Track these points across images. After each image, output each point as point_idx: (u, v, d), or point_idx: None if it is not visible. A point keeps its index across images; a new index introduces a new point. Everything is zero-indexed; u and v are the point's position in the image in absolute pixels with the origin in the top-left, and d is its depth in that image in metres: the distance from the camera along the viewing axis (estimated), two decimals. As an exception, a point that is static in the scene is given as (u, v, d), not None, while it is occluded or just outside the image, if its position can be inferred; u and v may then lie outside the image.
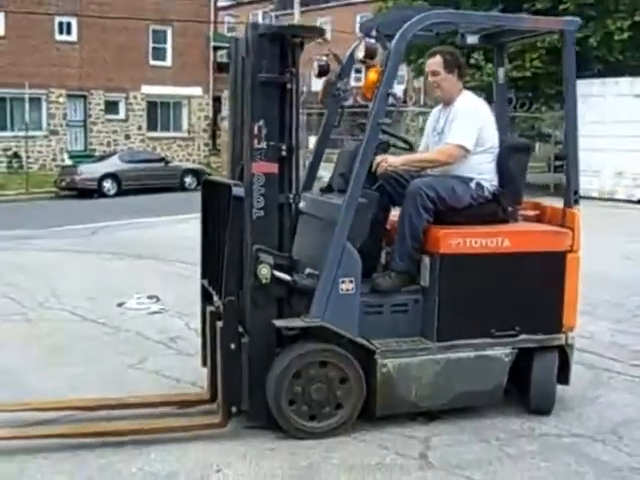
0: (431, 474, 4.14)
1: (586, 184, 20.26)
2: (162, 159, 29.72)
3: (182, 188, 27.06)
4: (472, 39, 5.38)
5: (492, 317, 4.89)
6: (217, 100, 38.80)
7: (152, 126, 37.12)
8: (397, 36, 4.59)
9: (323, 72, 5.19)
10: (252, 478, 4.05)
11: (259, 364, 4.52)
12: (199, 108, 38.09)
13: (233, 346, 4.47)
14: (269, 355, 4.55)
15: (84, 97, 34.07)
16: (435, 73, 5.04)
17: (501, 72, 5.76)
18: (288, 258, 4.63)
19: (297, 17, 35.23)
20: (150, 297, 8.37)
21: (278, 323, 4.52)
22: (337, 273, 4.53)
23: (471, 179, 4.99)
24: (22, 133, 30.03)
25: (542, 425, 4.90)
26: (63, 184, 26.81)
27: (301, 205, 5.09)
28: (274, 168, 4.53)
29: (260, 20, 54.19)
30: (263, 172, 4.51)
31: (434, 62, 5.04)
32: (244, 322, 4.58)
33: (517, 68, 21.36)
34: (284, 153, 4.55)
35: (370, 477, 4.07)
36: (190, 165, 31.27)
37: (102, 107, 34.64)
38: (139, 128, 36.42)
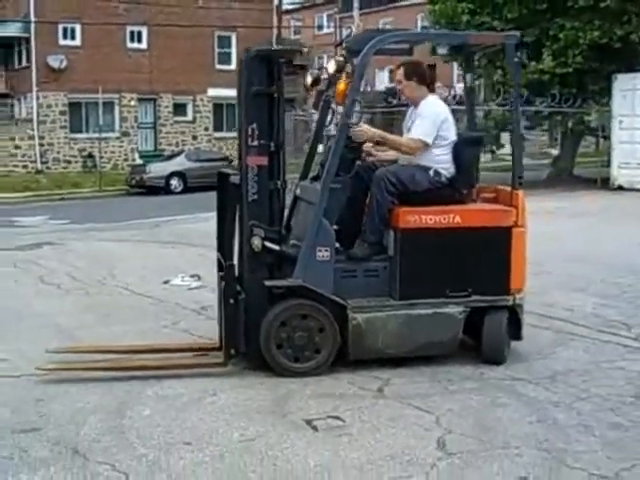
0: (381, 401, 5.21)
1: (633, 176, 20.85)
2: (225, 158, 31.07)
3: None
4: (442, 50, 6.43)
5: (446, 280, 5.86)
6: (288, 101, 40.01)
7: (218, 127, 38.62)
8: (361, 54, 5.75)
9: (315, 81, 6.35)
10: (238, 401, 5.21)
11: (254, 316, 5.69)
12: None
13: (232, 301, 5.68)
14: (262, 309, 5.70)
15: (154, 100, 35.76)
16: (399, 81, 6.19)
17: (469, 77, 6.75)
18: (277, 232, 5.81)
19: (357, 20, 36.31)
20: (192, 276, 9.61)
21: (268, 283, 5.69)
22: (315, 243, 5.67)
23: (430, 167, 5.98)
24: (96, 135, 31.93)
25: (491, 372, 5.85)
26: (133, 182, 28.39)
27: (297, 191, 6.32)
28: (264, 161, 5.71)
29: (325, 23, 55.35)
30: (256, 164, 5.70)
31: (398, 72, 6.19)
32: (243, 283, 5.77)
33: (560, 65, 21.81)
34: (272, 149, 5.73)
35: (332, 402, 5.16)
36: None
37: (171, 109, 36.26)
38: (205, 129, 37.96)
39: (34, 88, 32.88)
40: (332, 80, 6.44)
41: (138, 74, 34.43)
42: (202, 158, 29.80)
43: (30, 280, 9.87)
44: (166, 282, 9.38)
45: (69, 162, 33.65)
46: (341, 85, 5.89)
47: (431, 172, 6.00)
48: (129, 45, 34.64)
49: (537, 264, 9.91)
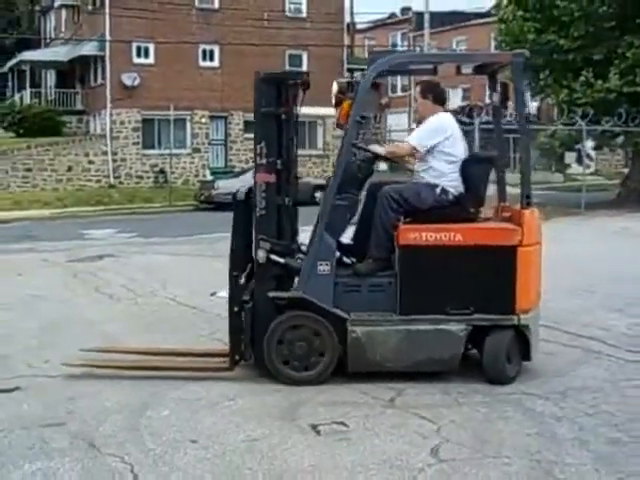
0: (389, 411, 5.45)
1: None
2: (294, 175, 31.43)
3: (312, 202, 28.72)
4: (466, 70, 6.57)
5: (447, 298, 5.92)
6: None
7: (304, 145, 39.13)
8: (365, 77, 6.08)
9: (343, 91, 6.33)
10: (253, 405, 5.53)
11: (260, 325, 5.99)
12: (333, 127, 39.68)
13: (236, 309, 6.04)
14: (267, 319, 5.98)
15: (225, 118, 36.45)
16: (417, 99, 6.49)
17: (495, 96, 6.69)
18: (283, 245, 6.09)
19: (427, 39, 36.51)
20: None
21: (271, 294, 5.98)
22: (316, 257, 5.95)
23: (437, 185, 6.14)
24: (167, 151, 32.73)
25: (503, 387, 5.96)
26: (202, 198, 29.02)
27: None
28: (272, 178, 6.02)
29: (399, 42, 55.67)
30: (264, 181, 6.02)
31: (417, 90, 6.49)
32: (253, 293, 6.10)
33: (628, 83, 21.66)
34: (279, 167, 6.04)
35: (341, 409, 5.42)
36: (320, 181, 32.94)
37: (241, 127, 36.83)
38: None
39: (108, 105, 33.89)
40: (337, 101, 6.61)
41: (210, 92, 35.13)
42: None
43: (86, 290, 10.41)
44: (213, 294, 9.75)
45: (141, 177, 34.53)
46: (345, 105, 6.06)
47: (438, 190, 6.14)
48: (201, 63, 35.42)
49: (584, 284, 10.07)
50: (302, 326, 5.98)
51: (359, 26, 56.10)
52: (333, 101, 6.55)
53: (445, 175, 6.17)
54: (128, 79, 33.56)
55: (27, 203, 27.65)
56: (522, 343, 6.07)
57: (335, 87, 6.16)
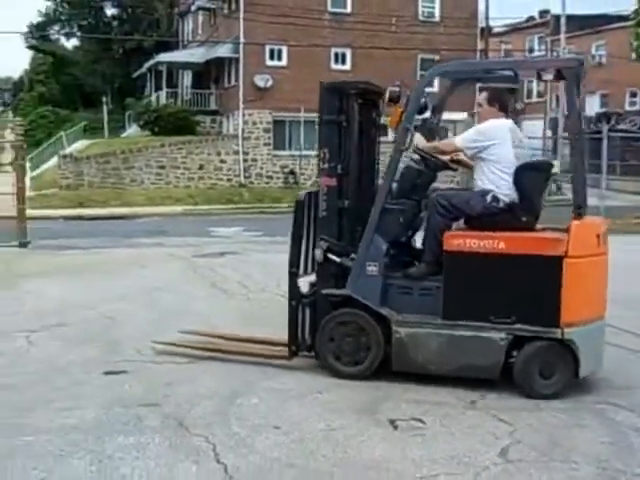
0: (469, 412, 5.62)
1: None
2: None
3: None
4: (547, 76, 6.47)
5: (490, 305, 5.92)
6: (482, 124, 40.09)
7: (419, 148, 39.19)
8: (415, 87, 6.29)
9: (394, 99, 6.48)
10: (339, 398, 5.82)
11: (318, 319, 6.38)
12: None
13: (293, 303, 6.49)
14: (324, 314, 6.37)
15: (356, 121, 36.81)
16: (480, 104, 6.44)
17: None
18: (342, 246, 6.42)
19: (563, 42, 35.93)
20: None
21: (324, 291, 6.37)
22: (365, 258, 6.21)
23: (489, 192, 6.12)
24: (297, 152, 33.43)
25: (588, 396, 6.00)
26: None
27: None
28: (333, 182, 6.37)
29: (536, 46, 54.75)
30: (326, 185, 6.38)
31: (481, 97, 6.42)
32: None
33: None
34: (340, 171, 6.38)
35: (423, 407, 5.64)
36: (451, 186, 32.92)
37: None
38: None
39: (240, 106, 34.81)
40: (438, 106, 6.87)
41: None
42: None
43: (203, 284, 10.90)
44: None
45: (270, 178, 35.31)
46: (396, 112, 6.25)
47: (489, 197, 6.13)
48: (333, 66, 35.86)
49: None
50: (349, 323, 6.28)
51: (495, 30, 55.45)
52: (387, 99, 6.53)
53: (497, 182, 6.15)
54: (260, 81, 34.42)
55: (159, 199, 28.80)
56: (568, 359, 5.93)
57: (387, 95, 6.35)
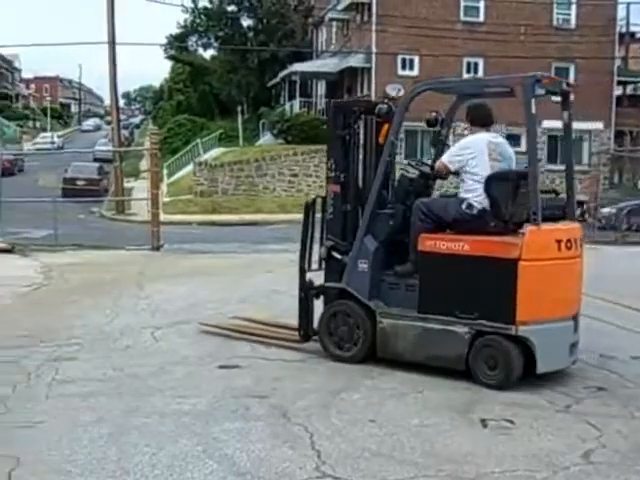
0: (560, 415, 5.80)
1: None
2: (553, 190, 31.16)
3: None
4: (539, 91, 6.57)
5: (457, 302, 6.49)
6: (619, 135, 39.25)
7: (552, 159, 38.68)
8: (400, 103, 6.98)
9: (431, 124, 7.34)
10: (437, 398, 6.11)
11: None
12: (600, 142, 38.77)
13: (303, 294, 7.33)
14: (327, 303, 7.27)
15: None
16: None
17: (565, 115, 7.00)
18: (345, 245, 7.15)
19: None
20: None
21: (326, 284, 7.23)
22: (357, 256, 6.94)
23: (465, 199, 6.66)
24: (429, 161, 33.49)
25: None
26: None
27: None
28: (338, 189, 7.19)
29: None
30: (332, 191, 7.22)
31: None
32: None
33: None
34: (343, 179, 7.15)
35: (515, 409, 5.86)
36: (581, 197, 32.37)
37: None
38: (539, 160, 38.09)
39: (373, 115, 35.28)
40: (446, 121, 7.56)
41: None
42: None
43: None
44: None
45: (400, 185, 35.59)
46: (384, 127, 7.02)
47: (464, 204, 6.65)
48: (465, 76, 35.91)
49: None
50: (344, 312, 7.02)
51: (638, 36, 53.95)
52: (426, 124, 7.45)
53: (473, 191, 6.63)
54: (392, 90, 34.30)
55: (290, 207, 29.48)
56: (523, 355, 6.34)
57: (376, 111, 7.04)
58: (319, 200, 7.52)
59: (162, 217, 16.38)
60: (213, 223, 25.68)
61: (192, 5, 52.52)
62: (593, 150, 38.70)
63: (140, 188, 30.30)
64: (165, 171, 38.73)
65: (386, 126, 7.03)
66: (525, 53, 34.64)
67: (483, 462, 4.84)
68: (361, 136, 7.26)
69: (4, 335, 7.94)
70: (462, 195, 6.75)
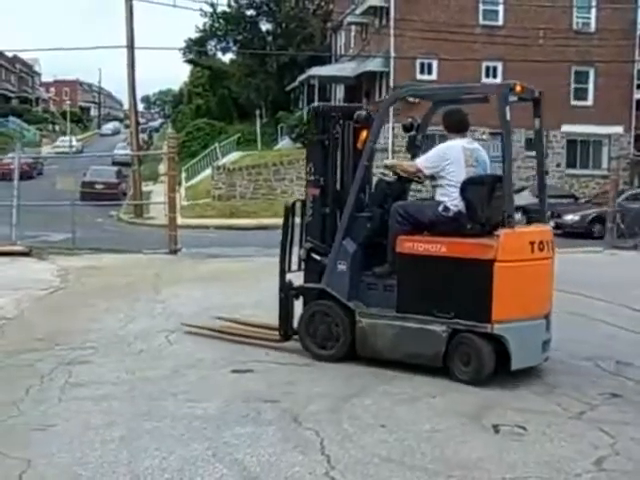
0: (573, 421, 5.77)
1: None
2: (572, 195, 31.20)
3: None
4: (512, 98, 6.76)
5: (434, 301, 6.63)
6: (639, 139, 39.03)
7: (571, 163, 38.56)
8: (379, 107, 7.04)
9: (361, 121, 7.24)
10: (450, 403, 6.08)
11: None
12: (619, 147, 38.57)
13: (282, 295, 7.48)
14: (306, 303, 7.41)
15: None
16: None
17: (537, 121, 7.16)
18: (324, 247, 7.30)
19: None
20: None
21: (305, 285, 7.40)
22: (336, 257, 7.10)
23: (441, 202, 6.79)
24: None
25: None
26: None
27: None
28: (317, 192, 7.32)
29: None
30: (312, 194, 7.36)
31: None
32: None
33: None
34: (322, 183, 7.29)
35: (528, 415, 5.82)
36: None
37: (522, 144, 36.80)
38: (557, 165, 38.04)
39: (391, 119, 35.28)
40: (421, 128, 7.63)
41: (491, 108, 35.35)
42: (548, 195, 30.10)
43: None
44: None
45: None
46: (363, 133, 7.13)
47: (441, 207, 6.79)
48: (484, 80, 35.79)
49: None
50: (323, 312, 7.17)
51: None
52: (402, 129, 7.70)
53: (450, 194, 6.77)
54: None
55: (308, 210, 29.55)
56: (497, 352, 6.51)
57: (355, 117, 7.13)
58: (299, 204, 7.69)
59: (180, 221, 16.42)
60: (231, 227, 25.75)
61: (211, 10, 52.72)
62: (612, 155, 38.41)
63: (158, 192, 30.41)
64: (183, 175, 38.85)
65: (364, 132, 7.13)
66: (544, 57, 34.57)
67: (494, 468, 4.83)
68: (340, 141, 7.31)
69: (20, 339, 8.01)
70: (438, 198, 6.88)
